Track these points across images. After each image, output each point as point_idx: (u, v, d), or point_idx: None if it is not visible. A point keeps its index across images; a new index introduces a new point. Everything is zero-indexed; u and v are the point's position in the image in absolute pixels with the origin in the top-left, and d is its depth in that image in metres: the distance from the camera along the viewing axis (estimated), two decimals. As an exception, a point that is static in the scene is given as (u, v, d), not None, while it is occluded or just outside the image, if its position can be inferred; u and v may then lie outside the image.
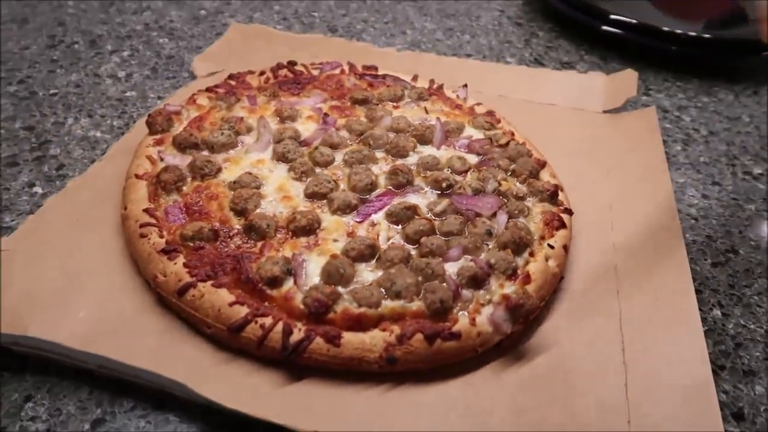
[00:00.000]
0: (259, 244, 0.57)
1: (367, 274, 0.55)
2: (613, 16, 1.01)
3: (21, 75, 0.81)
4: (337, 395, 0.48)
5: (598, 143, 0.79)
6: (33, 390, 0.47)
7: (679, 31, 0.99)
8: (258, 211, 0.59)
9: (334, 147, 0.69)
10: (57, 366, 0.49)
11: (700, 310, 0.59)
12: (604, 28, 1.02)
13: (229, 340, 0.50)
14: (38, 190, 0.65)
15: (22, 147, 0.70)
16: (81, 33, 0.92)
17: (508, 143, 0.72)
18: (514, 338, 0.54)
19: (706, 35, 1.02)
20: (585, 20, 1.05)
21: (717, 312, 0.60)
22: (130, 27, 0.95)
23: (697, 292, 0.61)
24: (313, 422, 0.45)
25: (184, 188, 0.62)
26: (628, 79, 0.89)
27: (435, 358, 0.50)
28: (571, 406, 0.49)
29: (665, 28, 0.99)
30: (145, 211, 0.58)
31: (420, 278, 0.54)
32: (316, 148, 0.68)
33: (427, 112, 0.77)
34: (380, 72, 0.84)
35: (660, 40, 1.00)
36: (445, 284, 0.53)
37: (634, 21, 1.01)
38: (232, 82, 0.78)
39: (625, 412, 0.48)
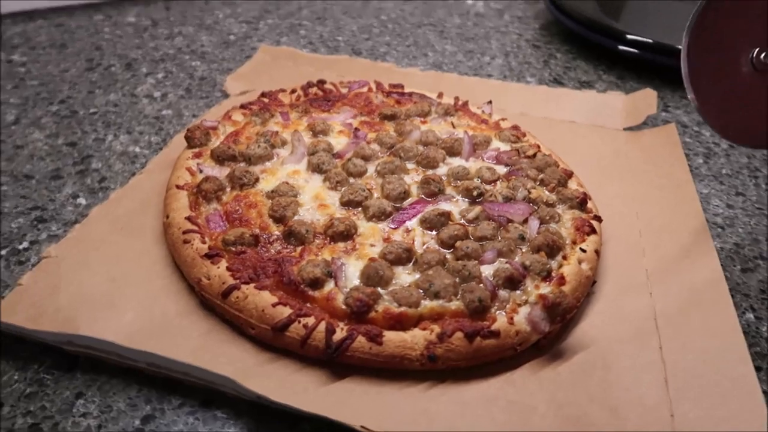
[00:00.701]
0: (299, 249, 0.58)
1: (405, 276, 0.56)
2: (629, 36, 1.04)
3: (62, 95, 0.85)
4: (381, 393, 0.49)
5: (620, 158, 0.81)
6: (84, 387, 0.49)
7: (695, 50, 1.01)
8: (296, 218, 0.61)
9: (366, 159, 0.71)
10: (107, 365, 0.50)
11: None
12: (621, 48, 1.04)
13: (273, 340, 0.51)
14: (82, 201, 0.67)
15: (65, 161, 0.72)
16: (117, 57, 0.96)
17: (535, 154, 0.74)
18: (552, 338, 0.54)
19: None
20: (602, 41, 1.07)
21: (750, 315, 0.60)
22: (163, 51, 0.99)
23: (729, 296, 0.62)
24: (359, 418, 0.46)
25: (224, 197, 0.64)
26: (647, 98, 0.91)
27: (475, 356, 0.51)
28: (612, 402, 0.49)
29: (680, 47, 1.02)
30: (187, 218, 0.60)
31: (457, 279, 0.55)
32: (349, 159, 0.70)
33: (454, 127, 0.79)
34: (406, 90, 0.87)
35: (676, 58, 1.02)
36: (482, 285, 0.54)
37: (650, 41, 1.03)
38: (265, 100, 0.81)
39: (667, 407, 0.48)
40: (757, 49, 0.58)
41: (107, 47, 0.98)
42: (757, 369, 0.55)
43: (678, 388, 0.50)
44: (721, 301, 0.58)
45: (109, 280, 0.56)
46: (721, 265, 0.65)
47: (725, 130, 0.62)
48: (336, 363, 0.50)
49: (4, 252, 0.60)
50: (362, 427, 0.45)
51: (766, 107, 0.60)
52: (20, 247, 0.61)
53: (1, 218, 0.64)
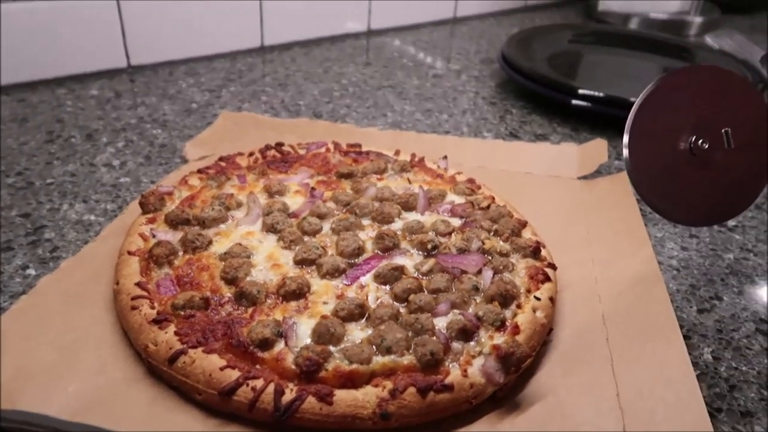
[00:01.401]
0: (250, 310, 0.57)
1: (358, 332, 0.55)
2: (581, 91, 1.08)
3: (19, 168, 0.84)
4: (333, 456, 0.47)
5: (575, 206, 0.82)
6: (20, 467, 0.46)
7: (643, 101, 1.05)
8: (249, 278, 0.61)
9: (321, 217, 0.71)
10: (45, 441, 0.48)
11: (690, 354, 0.59)
12: (574, 102, 1.08)
13: (220, 405, 0.50)
14: (31, 272, 0.66)
15: (17, 232, 0.71)
16: (78, 128, 0.97)
17: (489, 206, 0.75)
18: (508, 389, 0.53)
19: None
20: (555, 96, 1.11)
21: (708, 356, 0.60)
22: (125, 121, 1.00)
23: (686, 338, 0.62)
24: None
25: (176, 262, 0.63)
26: (599, 148, 0.94)
27: (429, 411, 0.50)
28: (573, 455, 0.48)
29: (632, 99, 1.05)
30: (137, 284, 0.59)
31: (410, 333, 0.54)
32: (304, 218, 0.70)
33: (410, 182, 0.80)
34: (364, 149, 0.88)
35: (627, 109, 1.05)
36: (435, 338, 0.54)
37: (600, 94, 1.07)
38: (223, 164, 0.82)
39: None
40: (694, 136, 0.62)
41: (69, 119, 0.99)
42: (718, 410, 0.54)
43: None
44: (674, 344, 0.58)
45: (55, 350, 0.54)
46: (677, 306, 0.66)
47: (664, 210, 0.65)
48: (286, 426, 0.48)
49: (-54, 327, 0.58)
50: None
51: (701, 189, 0.64)
52: (-36, 321, 0.59)
53: (-54, 293, 0.62)
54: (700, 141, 0.61)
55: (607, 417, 0.51)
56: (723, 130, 0.61)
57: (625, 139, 0.62)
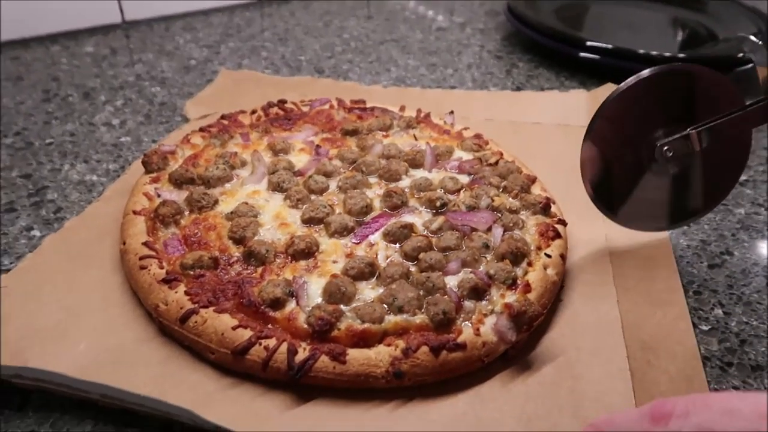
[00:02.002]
0: (260, 269, 0.57)
1: (368, 291, 0.55)
2: (589, 43, 1.05)
3: (17, 128, 0.83)
4: (346, 415, 0.47)
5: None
6: (36, 426, 0.46)
7: (654, 53, 1.02)
8: (256, 238, 0.60)
9: (327, 175, 0.70)
10: (59, 400, 0.48)
11: (701, 310, 0.59)
12: (582, 54, 1.06)
13: (233, 365, 0.50)
14: (36, 233, 0.65)
15: (20, 194, 0.70)
16: (75, 87, 0.94)
17: (497, 162, 0.73)
18: (520, 348, 0.53)
19: (680, 55, 1.06)
20: (563, 49, 1.08)
21: (719, 311, 0.60)
22: (122, 78, 0.98)
23: (697, 293, 0.62)
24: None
25: (182, 221, 0.62)
26: (609, 93, 0.91)
27: (441, 370, 0.50)
28: (581, 413, 0.48)
29: (641, 51, 1.03)
30: (144, 244, 0.58)
31: (421, 292, 0.54)
32: (311, 176, 0.69)
33: (416, 139, 0.79)
34: (368, 105, 0.87)
35: (636, 62, 1.03)
36: (446, 297, 0.53)
37: (609, 46, 1.04)
38: (225, 122, 0.80)
39: None
40: (658, 143, 0.60)
41: (64, 78, 0.97)
42: (729, 364, 0.54)
43: (646, 399, 0.49)
44: (677, 305, 0.58)
45: (62, 309, 0.54)
46: (688, 262, 0.66)
47: (622, 218, 0.64)
48: (300, 385, 0.48)
49: (-47, 289, 0.58)
50: None
51: (663, 193, 0.63)
52: (-30, 283, 0.59)
53: (-49, 255, 0.62)
54: (665, 148, 0.59)
55: (617, 379, 0.51)
56: (690, 132, 0.58)
57: (584, 146, 0.61)
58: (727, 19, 1.22)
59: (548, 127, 0.87)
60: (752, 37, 1.04)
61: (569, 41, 1.08)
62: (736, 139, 0.61)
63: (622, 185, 0.62)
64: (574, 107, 0.91)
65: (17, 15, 1.04)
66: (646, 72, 0.59)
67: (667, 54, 1.04)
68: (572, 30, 1.15)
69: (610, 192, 0.63)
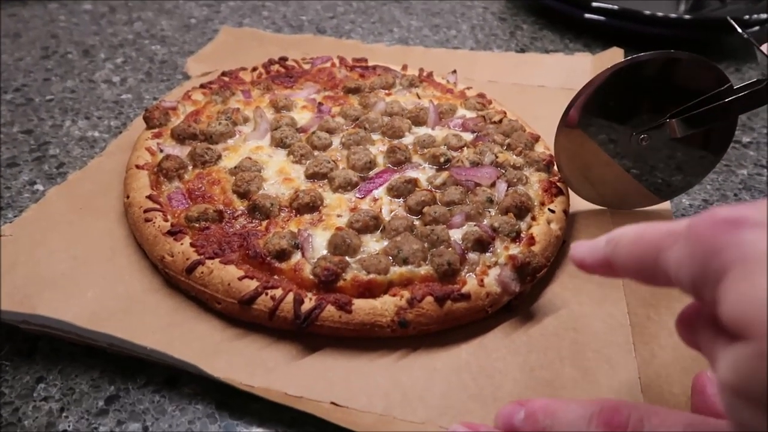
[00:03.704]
0: (264, 223, 0.57)
1: (373, 244, 0.55)
2: (595, 4, 1.04)
3: (16, 84, 0.82)
4: (352, 365, 0.48)
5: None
6: (44, 371, 0.47)
7: (660, 14, 1.01)
8: (261, 192, 0.60)
9: (330, 132, 0.70)
10: (67, 347, 0.49)
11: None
12: (587, 15, 1.04)
13: (240, 314, 0.50)
14: (39, 187, 0.65)
15: (22, 149, 0.70)
16: (74, 44, 0.93)
17: (501, 120, 0.73)
18: (523, 299, 0.54)
19: (687, 17, 1.05)
20: (568, 10, 1.07)
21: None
22: (122, 36, 0.96)
23: (699, 252, 0.62)
24: (329, 393, 0.45)
25: (186, 176, 0.62)
26: (615, 57, 0.91)
27: (446, 320, 0.50)
28: (582, 364, 0.49)
29: (647, 12, 1.02)
30: (149, 197, 0.59)
31: (426, 244, 0.54)
32: (314, 132, 0.69)
33: (419, 98, 0.78)
34: (370, 63, 0.86)
35: (642, 23, 1.02)
36: (450, 248, 0.54)
37: (615, 7, 1.03)
38: (226, 78, 0.79)
39: (634, 369, 0.48)
40: (633, 132, 0.60)
41: (63, 35, 0.95)
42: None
43: (645, 352, 0.50)
44: None
45: (69, 258, 0.54)
46: (690, 220, 0.66)
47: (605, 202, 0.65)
48: (306, 335, 0.49)
49: (-42, 241, 0.58)
50: (332, 403, 0.44)
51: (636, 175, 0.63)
52: (-25, 236, 0.59)
53: (-46, 208, 0.62)
54: (641, 137, 0.59)
55: (617, 333, 0.52)
56: (668, 119, 0.57)
57: (559, 133, 0.61)
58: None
59: (552, 90, 0.87)
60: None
61: (574, 2, 1.07)
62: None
63: (600, 171, 0.62)
64: (580, 71, 0.90)
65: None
66: (623, 61, 0.58)
67: (673, 15, 1.03)
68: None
69: (589, 179, 0.63)
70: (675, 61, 0.58)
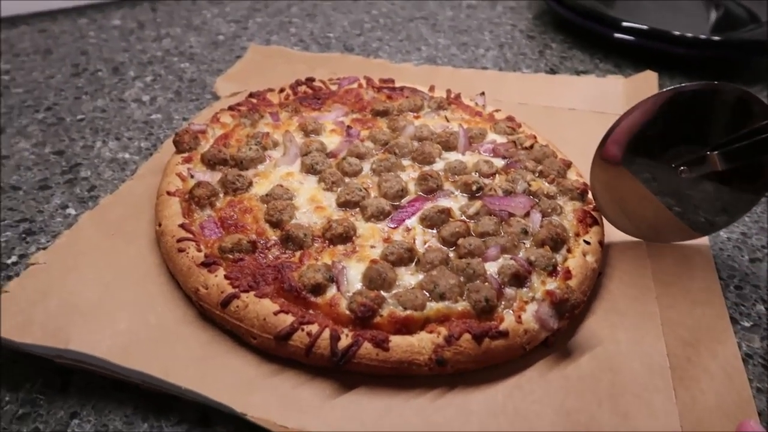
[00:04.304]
0: (298, 253, 0.56)
1: (408, 277, 0.54)
2: (625, 24, 1.02)
3: (48, 102, 0.82)
4: (387, 405, 0.47)
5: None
6: (78, 407, 0.47)
7: (689, 35, 1.00)
8: (293, 221, 0.59)
9: (360, 157, 0.69)
10: (100, 381, 0.48)
11: (742, 306, 0.59)
12: (617, 35, 1.03)
13: (276, 350, 0.49)
14: (71, 211, 0.65)
15: (53, 170, 0.70)
16: (103, 61, 0.94)
17: (532, 146, 0.72)
18: (559, 335, 0.53)
19: (716, 38, 1.03)
20: (597, 29, 1.06)
21: (761, 307, 0.59)
22: (150, 54, 0.97)
23: (738, 288, 0.61)
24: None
25: (217, 203, 0.62)
26: (648, 80, 0.90)
27: (484, 358, 0.49)
28: (621, 408, 0.48)
29: (676, 33, 1.00)
30: (181, 226, 0.58)
31: (462, 279, 0.53)
32: (344, 158, 0.68)
33: (447, 121, 0.78)
34: (397, 84, 0.85)
35: (672, 44, 1.00)
36: (487, 283, 0.53)
37: (645, 27, 1.02)
38: (254, 100, 0.79)
39: (675, 415, 0.47)
40: (674, 164, 0.59)
41: (93, 51, 0.96)
42: (771, 360, 0.54)
43: (685, 400, 0.49)
44: (717, 304, 0.58)
45: (101, 287, 0.54)
46: (728, 255, 0.65)
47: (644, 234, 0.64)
48: (342, 371, 0.48)
49: (-8, 267, 0.58)
50: None
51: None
52: (9, 261, 0.59)
53: (-12, 232, 0.62)
54: (681, 169, 0.58)
55: (656, 375, 0.50)
56: (709, 152, 0.56)
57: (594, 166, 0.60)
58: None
59: (583, 113, 0.86)
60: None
61: (604, 21, 1.05)
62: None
63: (637, 204, 0.61)
64: (612, 94, 0.89)
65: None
66: (666, 92, 0.57)
67: (703, 36, 1.01)
68: (607, 9, 1.12)
69: (625, 212, 0.62)
70: (718, 92, 0.56)
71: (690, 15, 1.17)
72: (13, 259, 0.59)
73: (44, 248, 0.60)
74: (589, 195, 0.65)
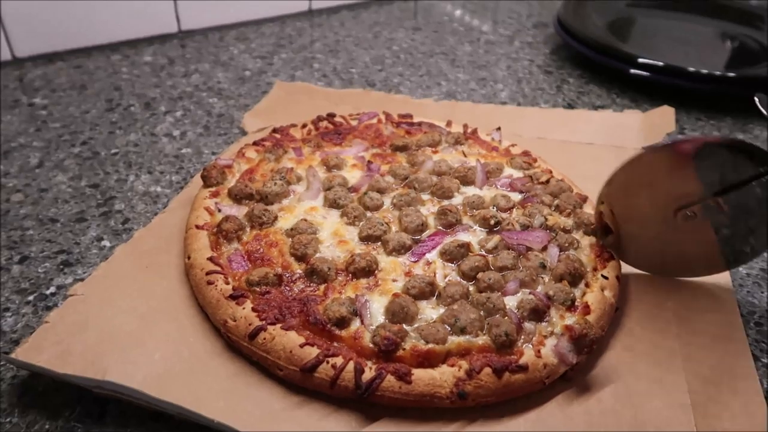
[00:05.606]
0: (322, 287, 0.58)
1: (430, 311, 0.56)
2: (641, 60, 1.04)
3: (83, 137, 0.86)
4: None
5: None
6: (114, 435, 0.49)
7: (705, 71, 1.01)
8: (317, 255, 0.62)
9: (381, 192, 0.71)
10: (135, 410, 0.50)
11: (763, 343, 0.59)
12: (633, 71, 1.05)
13: (302, 382, 0.51)
14: (106, 243, 0.68)
15: (89, 203, 0.73)
16: (136, 96, 0.98)
17: (548, 180, 0.74)
18: (579, 369, 0.54)
19: (731, 74, 1.04)
20: (613, 64, 1.08)
21: (782, 345, 0.59)
22: (180, 89, 1.01)
23: (758, 324, 0.61)
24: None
25: (244, 237, 0.64)
26: (665, 115, 0.91)
27: (504, 392, 0.50)
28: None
29: (691, 69, 1.02)
30: (210, 259, 0.61)
31: (482, 313, 0.55)
32: (365, 193, 0.70)
33: (465, 155, 0.80)
34: (415, 120, 0.88)
35: (687, 79, 1.02)
36: (507, 318, 0.54)
37: (660, 63, 1.03)
38: (278, 135, 0.82)
39: None
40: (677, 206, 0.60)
41: (126, 87, 1.00)
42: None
43: None
44: (738, 340, 0.58)
45: (136, 317, 0.57)
46: (748, 291, 0.65)
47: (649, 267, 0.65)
48: (366, 403, 0.50)
49: (31, 297, 0.61)
50: None
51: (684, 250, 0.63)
52: (47, 291, 0.62)
53: (28, 263, 0.65)
54: (686, 212, 0.59)
55: (678, 412, 0.51)
56: (710, 199, 0.57)
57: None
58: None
59: (600, 147, 0.87)
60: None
61: (620, 57, 1.07)
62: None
63: (647, 244, 0.63)
64: (628, 129, 0.91)
65: (79, 23, 1.09)
66: (665, 141, 0.59)
67: (718, 72, 1.02)
68: (622, 44, 1.14)
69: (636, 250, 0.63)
70: (716, 144, 0.58)
71: (705, 50, 1.19)
72: (52, 289, 0.62)
73: (81, 279, 0.63)
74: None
